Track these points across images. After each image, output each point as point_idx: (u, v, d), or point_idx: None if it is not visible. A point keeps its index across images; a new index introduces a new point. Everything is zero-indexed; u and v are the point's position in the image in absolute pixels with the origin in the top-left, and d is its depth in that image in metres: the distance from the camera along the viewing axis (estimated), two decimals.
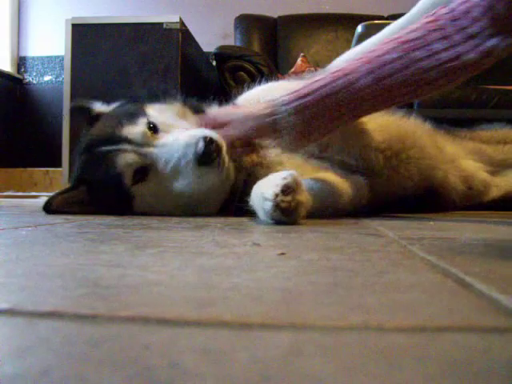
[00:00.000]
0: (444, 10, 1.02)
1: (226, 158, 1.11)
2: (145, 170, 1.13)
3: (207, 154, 1.06)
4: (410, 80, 1.02)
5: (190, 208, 1.17)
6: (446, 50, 0.99)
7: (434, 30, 1.00)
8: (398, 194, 1.38)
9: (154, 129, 1.15)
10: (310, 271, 0.46)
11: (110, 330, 0.28)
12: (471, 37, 0.97)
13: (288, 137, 1.08)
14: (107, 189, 1.16)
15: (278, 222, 0.91)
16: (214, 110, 1.28)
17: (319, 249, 0.62)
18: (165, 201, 1.16)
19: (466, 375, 0.22)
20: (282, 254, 0.54)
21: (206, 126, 1.15)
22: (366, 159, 1.30)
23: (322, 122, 1.07)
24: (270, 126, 1.08)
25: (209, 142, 1.06)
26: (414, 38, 1.02)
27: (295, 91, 1.08)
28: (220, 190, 1.16)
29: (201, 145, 1.06)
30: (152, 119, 1.16)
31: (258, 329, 0.28)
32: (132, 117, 1.17)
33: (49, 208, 1.17)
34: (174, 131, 1.15)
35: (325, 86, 1.06)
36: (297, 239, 0.71)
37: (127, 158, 1.12)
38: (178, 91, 1.34)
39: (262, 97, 1.26)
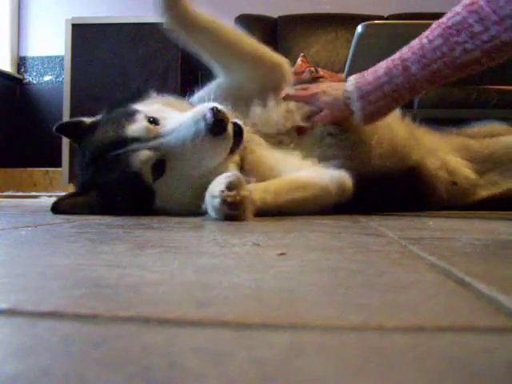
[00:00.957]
0: None
1: (244, 129, 1.12)
2: (161, 163, 1.12)
3: (218, 122, 1.05)
4: (456, 62, 1.13)
5: None
6: (485, 30, 1.06)
7: (473, 12, 1.07)
8: (378, 169, 1.41)
9: (154, 122, 1.14)
10: (310, 271, 0.46)
11: (109, 330, 0.28)
12: (505, 17, 1.03)
13: (357, 116, 1.28)
14: (125, 192, 1.13)
15: (226, 218, 0.96)
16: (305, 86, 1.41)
17: (319, 249, 0.62)
18: (188, 188, 1.14)
19: (466, 375, 0.22)
20: (282, 254, 0.54)
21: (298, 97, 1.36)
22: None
23: (383, 104, 1.25)
24: (346, 106, 1.28)
25: (216, 110, 1.06)
26: (456, 23, 1.10)
27: (362, 76, 1.26)
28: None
29: (209, 114, 1.05)
30: (149, 113, 1.15)
31: (257, 329, 0.28)
32: (129, 116, 1.15)
33: (56, 210, 1.16)
34: (173, 117, 1.14)
35: (386, 73, 1.21)
36: (297, 239, 0.71)
37: (141, 156, 1.10)
38: (155, 89, 1.32)
39: None
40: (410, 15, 3.75)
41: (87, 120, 1.26)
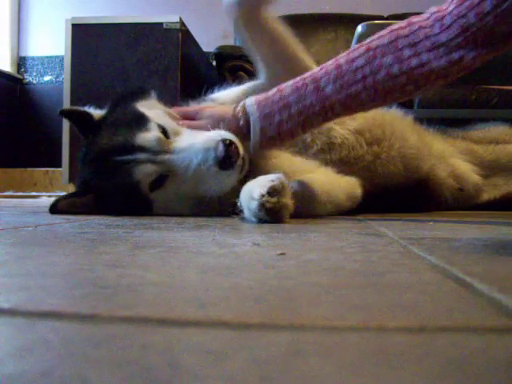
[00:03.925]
0: (417, 18, 1.03)
1: (246, 157, 1.10)
2: (163, 178, 1.12)
3: (228, 158, 1.04)
4: (378, 87, 1.02)
5: (207, 207, 1.15)
6: (414, 56, 0.99)
7: (404, 37, 1.01)
8: (388, 184, 1.40)
9: (164, 133, 1.13)
10: (310, 271, 0.46)
11: (109, 330, 0.28)
12: (439, 45, 0.97)
13: (256, 139, 1.11)
14: (122, 197, 1.14)
15: (260, 221, 0.95)
16: (188, 106, 1.31)
17: (319, 249, 0.62)
18: (183, 203, 1.16)
19: (466, 375, 0.22)
20: (282, 254, 0.54)
21: (178, 118, 1.21)
22: (349, 140, 1.35)
23: (287, 129, 1.09)
24: (241, 127, 1.12)
25: (228, 144, 1.05)
26: (382, 45, 1.02)
27: (266, 97, 1.11)
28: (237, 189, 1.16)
29: (221, 148, 1.04)
30: (159, 122, 1.14)
31: (257, 329, 0.28)
32: (139, 122, 1.15)
33: (54, 210, 1.16)
34: (184, 133, 1.14)
35: (295, 91, 1.07)
36: (297, 239, 0.71)
37: (145, 169, 1.10)
38: (150, 88, 1.31)
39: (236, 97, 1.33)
40: (410, 15, 3.75)
41: (95, 114, 1.25)
